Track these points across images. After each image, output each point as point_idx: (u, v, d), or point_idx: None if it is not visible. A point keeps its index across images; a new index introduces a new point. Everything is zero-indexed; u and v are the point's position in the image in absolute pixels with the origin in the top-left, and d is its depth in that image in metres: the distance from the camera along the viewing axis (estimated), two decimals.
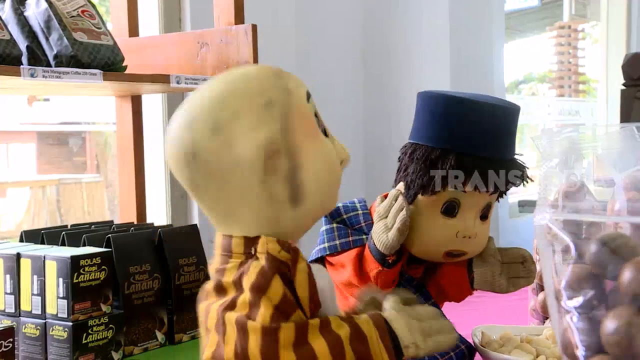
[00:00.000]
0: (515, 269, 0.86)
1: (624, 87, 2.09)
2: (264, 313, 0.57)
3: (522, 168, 0.87)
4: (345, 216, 0.90)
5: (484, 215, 0.86)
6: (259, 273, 0.58)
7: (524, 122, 4.04)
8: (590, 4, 4.42)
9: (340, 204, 0.92)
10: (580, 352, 0.51)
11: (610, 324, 0.49)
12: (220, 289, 0.61)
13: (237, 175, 0.60)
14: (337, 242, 0.88)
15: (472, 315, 1.27)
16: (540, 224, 0.56)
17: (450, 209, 0.83)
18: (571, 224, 0.55)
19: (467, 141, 0.81)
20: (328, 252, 0.89)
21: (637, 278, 0.49)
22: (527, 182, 0.88)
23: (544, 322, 1.11)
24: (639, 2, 3.85)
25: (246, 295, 0.58)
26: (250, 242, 0.61)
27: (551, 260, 0.55)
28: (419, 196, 0.85)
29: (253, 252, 0.60)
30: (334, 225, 0.90)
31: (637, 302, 0.49)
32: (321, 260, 0.91)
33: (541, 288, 1.11)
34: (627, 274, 0.50)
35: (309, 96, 0.65)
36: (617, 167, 0.65)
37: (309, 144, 0.62)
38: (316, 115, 0.65)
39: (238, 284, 0.59)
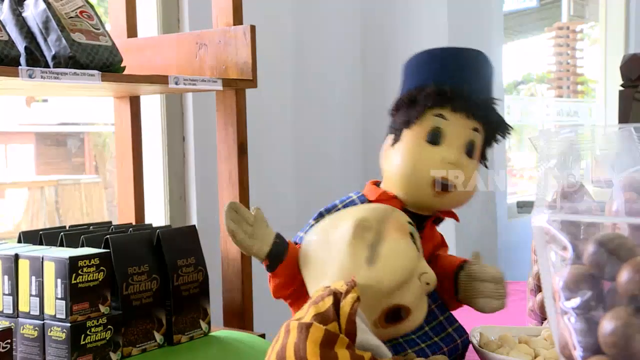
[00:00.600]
0: (487, 288, 0.87)
1: (622, 88, 2.09)
2: (308, 316, 0.69)
3: (500, 114, 0.91)
4: (340, 205, 0.91)
5: (469, 154, 0.88)
6: (319, 295, 0.73)
7: (523, 122, 4.04)
8: (589, 5, 4.42)
9: (337, 201, 0.93)
10: (577, 352, 0.51)
11: (607, 325, 0.49)
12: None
13: (336, 241, 0.81)
14: (301, 234, 0.91)
15: (471, 316, 1.27)
16: (538, 225, 0.56)
17: (435, 137, 0.87)
18: (569, 224, 0.55)
19: (441, 75, 0.88)
20: (294, 240, 0.91)
21: (634, 279, 0.49)
22: (509, 132, 0.92)
23: (542, 322, 1.11)
24: (637, 3, 3.85)
25: (303, 310, 0.72)
26: (327, 288, 0.75)
27: (549, 261, 0.55)
28: (405, 131, 0.88)
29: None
30: (312, 222, 0.91)
31: (634, 303, 0.49)
32: None
33: (539, 289, 1.11)
34: (624, 275, 0.50)
35: (410, 224, 0.85)
36: (615, 168, 0.65)
37: (395, 233, 0.81)
38: (412, 235, 0.84)
39: (305, 310, 0.73)
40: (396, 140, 0.90)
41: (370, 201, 0.90)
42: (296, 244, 0.89)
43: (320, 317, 0.69)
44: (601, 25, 4.01)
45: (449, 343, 0.88)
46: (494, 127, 0.91)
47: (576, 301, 0.52)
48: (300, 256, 0.85)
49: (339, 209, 0.91)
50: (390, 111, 0.93)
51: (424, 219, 0.91)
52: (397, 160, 0.89)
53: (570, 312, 0.52)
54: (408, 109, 0.89)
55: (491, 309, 0.88)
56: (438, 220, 0.93)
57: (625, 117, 2.03)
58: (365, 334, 0.72)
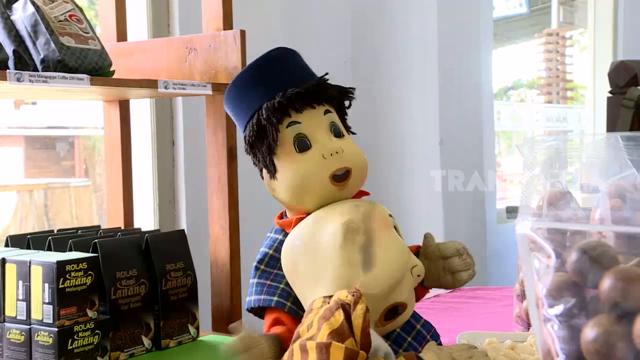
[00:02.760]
0: (454, 263, 0.87)
1: (610, 95, 2.10)
2: (322, 334, 0.69)
3: (331, 84, 0.92)
4: (271, 252, 0.91)
5: (338, 135, 0.90)
6: (326, 310, 0.72)
7: (512, 128, 4.06)
8: (578, 12, 4.45)
9: (264, 247, 0.93)
10: (560, 359, 0.52)
11: (590, 332, 0.50)
12: (296, 339, 0.73)
13: (325, 245, 0.79)
14: (252, 298, 0.90)
15: (458, 322, 1.28)
16: (521, 232, 0.57)
17: (303, 144, 0.88)
18: (555, 232, 0.56)
19: (264, 93, 0.89)
20: (248, 307, 0.91)
21: (616, 286, 0.50)
22: (351, 94, 0.94)
23: (529, 328, 1.12)
24: (625, 11, 3.88)
25: (313, 327, 0.71)
26: (327, 298, 0.75)
27: (532, 268, 0.55)
28: (274, 158, 0.89)
29: (328, 302, 0.74)
30: (254, 280, 0.90)
31: (616, 311, 0.50)
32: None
33: (525, 295, 1.11)
34: (607, 283, 0.50)
35: (390, 215, 0.86)
36: (601, 175, 0.66)
37: (382, 230, 0.80)
38: (395, 227, 0.85)
39: (310, 325, 0.72)
40: (273, 172, 0.90)
41: (286, 233, 0.89)
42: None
43: (336, 335, 0.69)
44: (590, 32, 4.04)
45: (421, 341, 0.88)
46: (338, 98, 0.93)
47: (559, 308, 0.53)
48: (285, 263, 0.84)
49: (271, 255, 0.89)
50: (246, 151, 0.92)
51: None
52: (288, 187, 0.88)
53: (553, 319, 0.53)
54: (262, 139, 0.89)
55: (463, 282, 0.88)
56: None
57: (612, 123, 2.05)
58: (377, 341, 0.73)
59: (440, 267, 0.88)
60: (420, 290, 0.93)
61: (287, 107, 0.88)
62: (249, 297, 0.90)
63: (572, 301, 0.52)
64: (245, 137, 0.92)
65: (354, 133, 0.96)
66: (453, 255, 0.87)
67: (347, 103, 0.95)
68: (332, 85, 0.93)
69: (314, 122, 0.89)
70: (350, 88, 0.95)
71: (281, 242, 0.89)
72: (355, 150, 0.91)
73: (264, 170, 0.92)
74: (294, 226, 0.88)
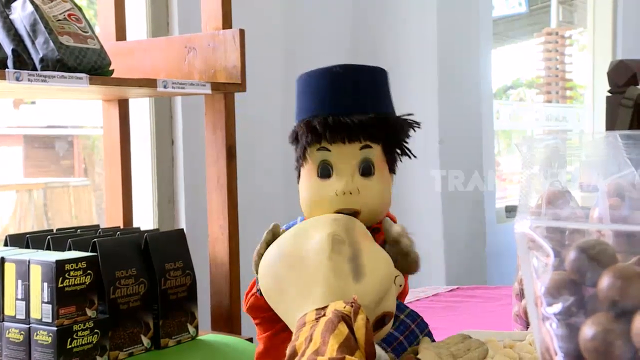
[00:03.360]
0: (400, 247, 0.86)
1: (609, 94, 2.11)
2: (331, 347, 0.66)
3: (386, 122, 0.89)
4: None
5: (366, 173, 0.88)
6: (327, 322, 0.70)
7: (512, 127, 4.06)
8: (577, 11, 4.45)
9: (284, 226, 0.93)
10: (558, 358, 0.52)
11: (588, 331, 0.50)
12: (293, 354, 0.71)
13: (312, 257, 0.78)
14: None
15: (456, 321, 1.28)
16: (520, 231, 0.57)
17: (325, 171, 0.87)
18: (554, 231, 0.56)
19: (313, 105, 0.88)
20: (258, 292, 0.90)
21: (615, 285, 0.50)
22: (414, 128, 0.92)
23: (528, 327, 1.12)
24: (624, 10, 3.88)
25: (316, 340, 0.68)
26: (321, 310, 0.73)
27: (531, 267, 0.55)
28: (301, 168, 0.90)
29: (323, 314, 0.72)
30: None
31: (615, 309, 0.50)
32: None
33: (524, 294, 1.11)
34: (605, 281, 0.50)
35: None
36: (600, 174, 0.66)
37: (366, 242, 0.80)
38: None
39: (309, 339, 0.69)
40: (298, 177, 0.91)
41: None
42: None
43: (346, 348, 0.67)
44: (589, 32, 4.04)
45: (404, 330, 0.88)
46: (390, 137, 0.90)
47: (558, 307, 0.53)
48: (266, 282, 0.82)
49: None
50: (291, 144, 0.93)
51: None
52: (302, 200, 0.90)
53: (551, 317, 0.53)
54: (296, 147, 0.90)
55: (412, 265, 0.85)
56: (374, 231, 0.92)
57: (612, 122, 2.05)
58: (378, 351, 0.72)
59: (397, 252, 0.87)
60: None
61: (320, 134, 0.86)
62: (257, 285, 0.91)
63: (570, 300, 0.52)
64: (290, 132, 0.92)
65: (414, 156, 0.93)
66: (397, 239, 0.86)
67: (402, 141, 0.91)
68: (382, 122, 0.88)
69: (345, 154, 0.87)
70: (402, 120, 0.91)
71: None
72: (375, 193, 0.88)
73: (296, 171, 0.93)
74: None
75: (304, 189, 0.89)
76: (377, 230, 0.92)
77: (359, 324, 0.70)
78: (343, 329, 0.69)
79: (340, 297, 0.74)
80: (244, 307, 0.88)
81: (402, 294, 0.91)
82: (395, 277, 0.81)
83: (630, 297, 0.49)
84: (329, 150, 0.87)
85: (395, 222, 0.92)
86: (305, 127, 0.87)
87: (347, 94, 0.89)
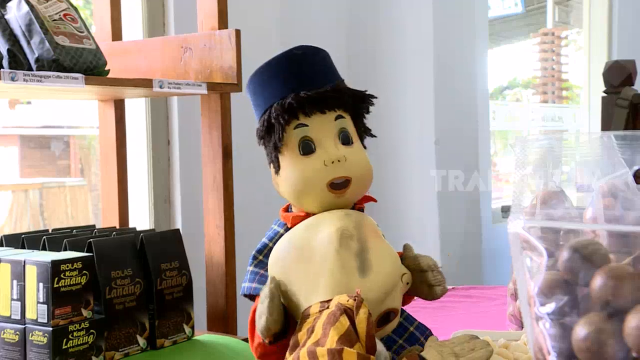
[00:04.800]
0: (428, 277, 0.87)
1: (604, 94, 2.11)
2: (331, 339, 0.68)
3: (349, 88, 0.91)
4: (270, 244, 0.91)
5: (346, 142, 0.89)
6: (330, 314, 0.71)
7: (508, 128, 4.07)
8: (573, 12, 4.46)
9: (265, 239, 0.94)
10: (551, 358, 0.52)
11: (581, 330, 0.50)
12: (295, 345, 0.72)
13: (320, 250, 0.79)
14: (246, 284, 0.91)
15: (452, 321, 1.28)
16: (513, 231, 0.57)
17: (307, 147, 0.88)
18: (549, 231, 0.56)
19: (278, 90, 0.89)
20: (242, 293, 0.91)
21: (607, 285, 0.50)
22: (370, 100, 0.93)
23: (522, 327, 1.12)
24: (620, 11, 3.89)
25: (317, 332, 0.69)
26: (325, 303, 0.74)
27: (524, 267, 0.56)
28: (280, 156, 0.90)
29: (326, 307, 0.74)
30: (251, 268, 0.92)
31: (607, 309, 0.50)
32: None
33: None
34: (598, 281, 0.51)
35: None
36: (595, 174, 0.66)
37: (375, 238, 0.81)
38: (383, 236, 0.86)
39: (311, 330, 0.70)
40: (277, 168, 0.91)
41: (289, 227, 0.90)
42: (254, 279, 0.89)
43: (346, 340, 0.68)
44: (585, 32, 4.05)
45: (414, 342, 0.88)
46: (354, 103, 0.92)
47: (551, 307, 0.53)
48: (274, 272, 0.82)
49: (270, 247, 0.90)
50: (258, 142, 0.93)
51: None
52: (288, 186, 0.89)
53: (545, 317, 0.53)
54: (270, 135, 0.90)
55: (437, 296, 0.88)
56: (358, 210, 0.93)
57: (607, 122, 2.06)
58: (378, 346, 0.73)
59: (417, 279, 0.88)
60: (405, 298, 0.94)
61: (296, 110, 0.88)
62: (244, 283, 0.91)
63: (563, 299, 0.52)
64: (257, 129, 0.92)
65: (374, 136, 0.95)
66: (427, 269, 0.88)
67: (365, 107, 0.93)
68: (348, 90, 0.91)
69: (323, 126, 0.88)
70: (369, 94, 0.93)
71: (282, 236, 0.90)
72: (360, 158, 0.89)
73: (270, 165, 0.92)
74: (291, 225, 0.88)
75: (289, 173, 0.88)
76: (361, 210, 0.93)
77: (361, 318, 0.70)
78: (344, 321, 0.70)
79: (345, 291, 0.75)
80: (254, 354, 0.86)
81: (407, 301, 0.92)
82: (403, 274, 0.82)
83: (622, 297, 0.49)
84: (307, 126, 0.88)
85: (374, 200, 0.93)
86: (280, 108, 0.88)
87: (310, 70, 0.90)
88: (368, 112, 0.93)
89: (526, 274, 0.55)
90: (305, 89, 0.88)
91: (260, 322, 0.79)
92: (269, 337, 0.79)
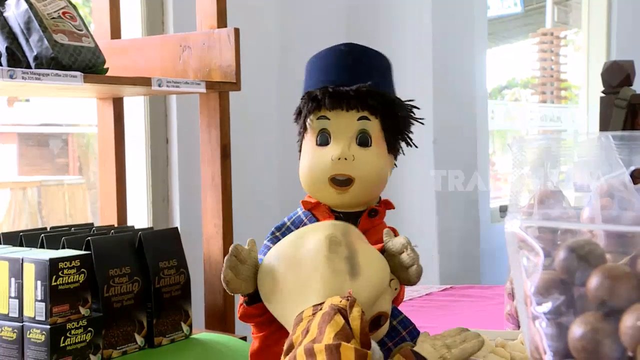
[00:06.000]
0: (403, 259, 0.86)
1: (603, 95, 2.11)
2: (328, 336, 0.68)
3: (383, 96, 0.93)
4: (288, 223, 0.95)
5: (363, 143, 0.91)
6: (324, 314, 0.71)
7: (507, 127, 4.07)
8: (572, 12, 4.46)
9: (285, 218, 0.96)
10: (547, 357, 0.52)
11: (577, 330, 0.50)
12: (290, 347, 0.72)
13: (310, 257, 0.80)
14: (259, 256, 0.92)
15: (449, 320, 1.29)
16: (510, 231, 0.57)
17: (323, 139, 0.92)
18: (546, 230, 0.56)
19: (316, 80, 0.94)
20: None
21: (603, 285, 0.50)
22: (400, 107, 0.94)
23: (520, 326, 1.12)
24: (619, 11, 3.90)
25: (313, 331, 0.70)
26: (317, 306, 0.75)
27: (521, 266, 0.56)
28: (302, 142, 0.95)
29: (320, 309, 0.74)
30: (265, 241, 0.94)
31: (603, 308, 0.50)
32: None
33: None
34: (594, 281, 0.51)
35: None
36: (593, 174, 0.66)
37: (363, 244, 0.83)
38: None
39: (305, 331, 0.71)
40: (299, 151, 0.96)
41: (307, 209, 0.94)
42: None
43: (342, 336, 0.69)
44: (584, 32, 4.05)
45: (394, 337, 0.88)
46: (388, 111, 0.93)
47: (547, 306, 0.53)
48: (264, 284, 0.83)
49: (288, 226, 0.94)
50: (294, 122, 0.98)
51: (358, 215, 0.93)
52: (300, 171, 0.94)
53: (541, 317, 0.53)
54: (297, 120, 0.96)
55: (413, 277, 0.85)
56: (372, 213, 0.93)
57: (605, 122, 2.06)
58: (372, 344, 0.73)
59: (397, 264, 0.87)
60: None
61: (319, 102, 0.91)
62: (259, 254, 0.92)
63: (560, 299, 0.53)
64: (295, 109, 0.97)
65: (414, 146, 0.96)
66: (401, 251, 0.87)
67: (401, 120, 0.95)
68: (374, 94, 0.92)
69: (342, 123, 0.91)
70: (399, 100, 0.95)
71: (299, 218, 0.94)
72: (370, 161, 0.91)
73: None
74: (305, 209, 0.93)
75: (303, 158, 0.93)
76: (376, 212, 0.93)
77: (355, 315, 0.71)
78: (339, 320, 0.70)
79: (337, 294, 0.76)
80: (238, 315, 0.89)
81: (398, 299, 0.92)
82: (391, 280, 0.83)
83: (618, 296, 0.50)
84: (329, 119, 0.91)
85: (392, 207, 0.94)
86: (307, 97, 0.93)
87: (348, 68, 0.95)
88: (400, 118, 0.94)
89: (523, 274, 0.55)
90: (335, 84, 0.91)
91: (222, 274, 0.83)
92: (230, 291, 0.83)
